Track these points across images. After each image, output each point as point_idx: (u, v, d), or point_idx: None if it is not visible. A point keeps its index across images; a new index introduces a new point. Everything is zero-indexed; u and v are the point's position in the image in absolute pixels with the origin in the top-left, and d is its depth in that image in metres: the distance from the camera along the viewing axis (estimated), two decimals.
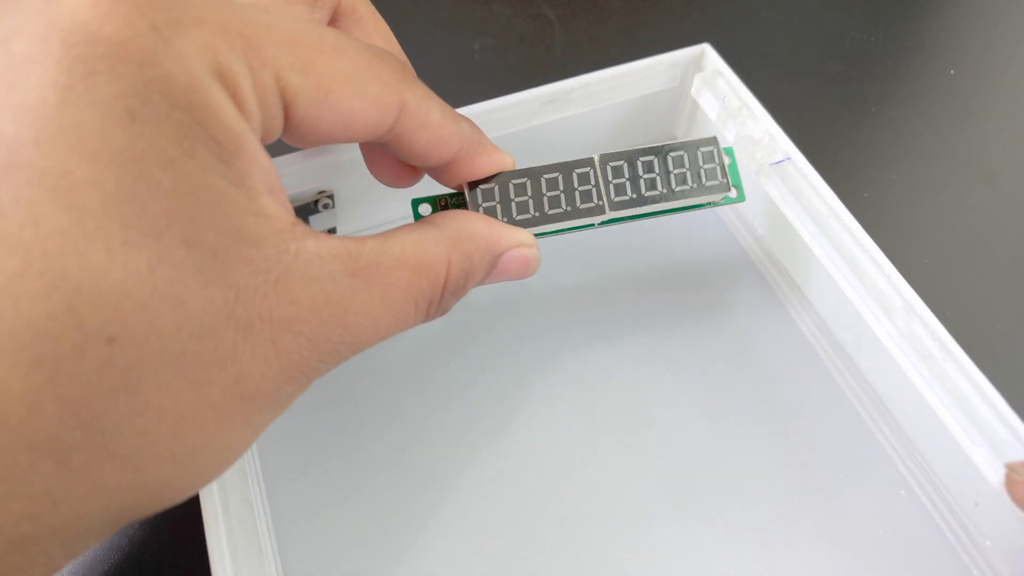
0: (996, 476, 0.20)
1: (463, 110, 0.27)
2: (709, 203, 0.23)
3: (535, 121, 0.28)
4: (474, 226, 0.20)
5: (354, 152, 0.25)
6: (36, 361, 0.13)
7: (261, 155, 0.15)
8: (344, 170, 0.26)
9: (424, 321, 0.19)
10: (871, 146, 0.36)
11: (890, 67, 0.39)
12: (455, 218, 0.20)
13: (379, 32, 0.22)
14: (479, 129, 0.21)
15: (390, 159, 0.22)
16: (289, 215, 0.16)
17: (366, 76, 0.17)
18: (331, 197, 0.26)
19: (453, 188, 0.22)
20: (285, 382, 0.16)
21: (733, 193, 0.23)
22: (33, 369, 0.13)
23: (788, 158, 0.26)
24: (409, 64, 0.21)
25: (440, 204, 0.23)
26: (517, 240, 0.21)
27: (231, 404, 0.15)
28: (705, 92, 0.28)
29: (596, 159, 0.22)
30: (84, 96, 0.13)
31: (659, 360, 0.26)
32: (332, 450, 0.24)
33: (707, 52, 0.29)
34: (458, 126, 0.20)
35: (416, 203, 0.23)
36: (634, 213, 0.23)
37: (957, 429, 0.21)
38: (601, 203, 0.22)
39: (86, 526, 0.14)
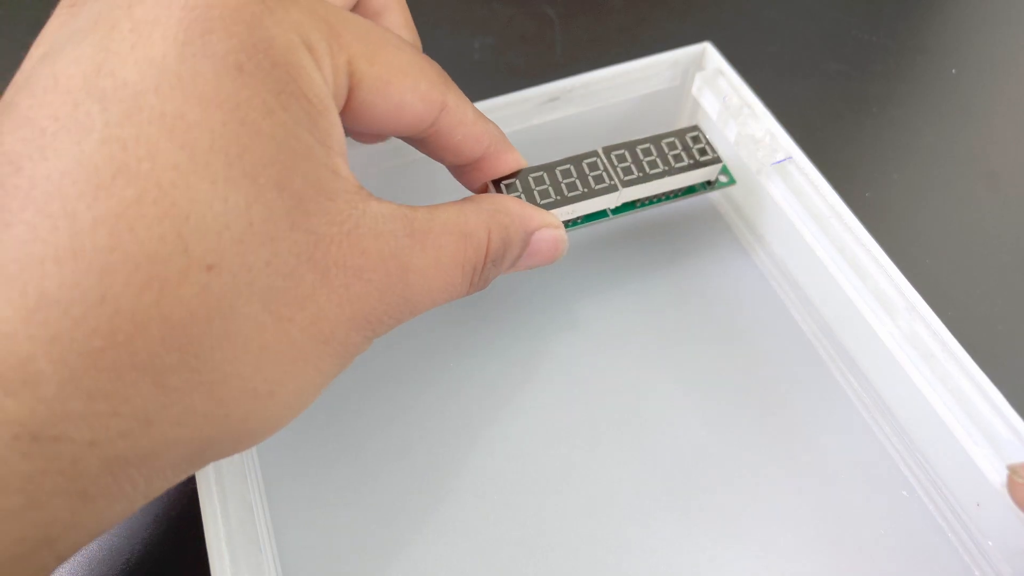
0: (998, 477, 0.20)
1: (494, 100, 0.27)
2: (706, 184, 0.26)
3: (535, 120, 0.28)
4: (509, 203, 0.22)
5: (354, 152, 0.25)
6: (146, 282, 0.14)
7: (338, 122, 0.17)
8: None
9: (468, 292, 0.20)
10: (873, 146, 0.36)
11: (892, 66, 0.39)
12: (491, 197, 0.22)
13: (405, 25, 0.23)
14: (501, 130, 0.23)
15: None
16: (355, 179, 0.17)
17: (419, 74, 0.19)
18: None
19: (475, 190, 0.24)
20: (355, 329, 0.17)
21: (723, 179, 0.26)
22: (143, 289, 0.14)
23: (789, 157, 0.26)
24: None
25: None
26: (546, 220, 0.23)
27: (307, 344, 0.16)
28: (706, 91, 0.28)
29: (600, 150, 0.25)
30: (200, 50, 0.15)
31: (659, 360, 0.26)
32: (332, 451, 0.24)
33: (708, 51, 0.29)
34: (488, 125, 0.22)
35: None
36: (644, 197, 0.25)
37: (959, 429, 0.21)
38: (613, 182, 0.25)
39: (172, 455, 0.15)
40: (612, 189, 0.24)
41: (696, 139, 0.26)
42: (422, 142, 0.21)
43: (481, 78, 0.38)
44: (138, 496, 0.15)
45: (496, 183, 0.23)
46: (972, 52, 0.40)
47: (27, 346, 0.13)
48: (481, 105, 0.27)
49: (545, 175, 0.24)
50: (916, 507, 0.23)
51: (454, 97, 0.20)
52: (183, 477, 0.16)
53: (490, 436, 0.25)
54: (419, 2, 0.41)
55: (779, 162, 0.26)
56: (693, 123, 0.26)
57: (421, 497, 0.24)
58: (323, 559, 0.22)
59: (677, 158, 0.25)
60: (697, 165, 0.25)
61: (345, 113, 0.18)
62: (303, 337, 0.16)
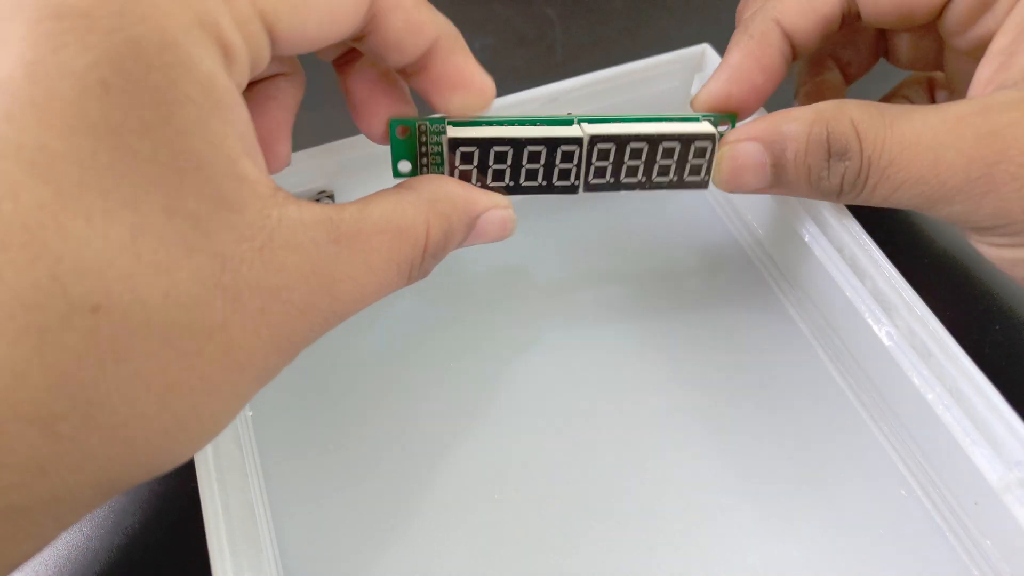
0: (997, 476, 0.20)
1: (495, 101, 0.26)
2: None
3: None
4: (450, 188, 0.20)
5: (354, 152, 0.25)
6: (22, 330, 0.13)
7: (239, 113, 0.15)
8: (344, 170, 0.26)
9: (407, 284, 0.19)
10: None
11: (892, 66, 0.39)
12: (431, 181, 0.20)
13: None
14: (458, 32, 0.20)
15: (366, 74, 0.21)
16: (268, 179, 0.16)
17: None
18: (331, 197, 0.26)
19: (437, 106, 0.21)
20: (275, 353, 0.16)
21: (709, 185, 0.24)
22: (19, 338, 0.13)
23: None
24: None
25: (419, 129, 0.21)
26: (492, 202, 0.21)
27: (220, 375, 0.15)
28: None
29: (585, 140, 0.22)
30: (55, 70, 0.13)
31: (659, 360, 0.26)
32: (332, 450, 0.24)
33: (707, 52, 0.29)
34: (434, 14, 0.20)
35: (394, 124, 0.21)
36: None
37: (957, 429, 0.21)
38: (576, 183, 0.22)
39: (76, 497, 0.14)
40: (571, 190, 0.22)
41: (701, 152, 0.22)
42: (360, 40, 0.19)
43: None
44: (47, 534, 0.15)
45: (455, 144, 0.21)
46: None
47: None
48: None
49: (511, 152, 0.21)
50: (915, 506, 0.23)
51: None
52: (96, 509, 0.15)
53: (490, 436, 0.25)
54: None
55: None
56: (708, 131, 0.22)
57: (421, 496, 0.24)
58: (323, 558, 0.22)
59: (663, 171, 0.23)
60: (680, 184, 0.23)
61: (277, 48, 0.17)
62: (214, 369, 0.15)
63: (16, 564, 0.14)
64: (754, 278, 0.29)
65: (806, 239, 0.25)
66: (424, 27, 0.19)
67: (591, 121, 0.22)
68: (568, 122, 0.22)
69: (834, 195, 0.22)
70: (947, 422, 0.21)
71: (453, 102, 0.21)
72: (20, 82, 0.13)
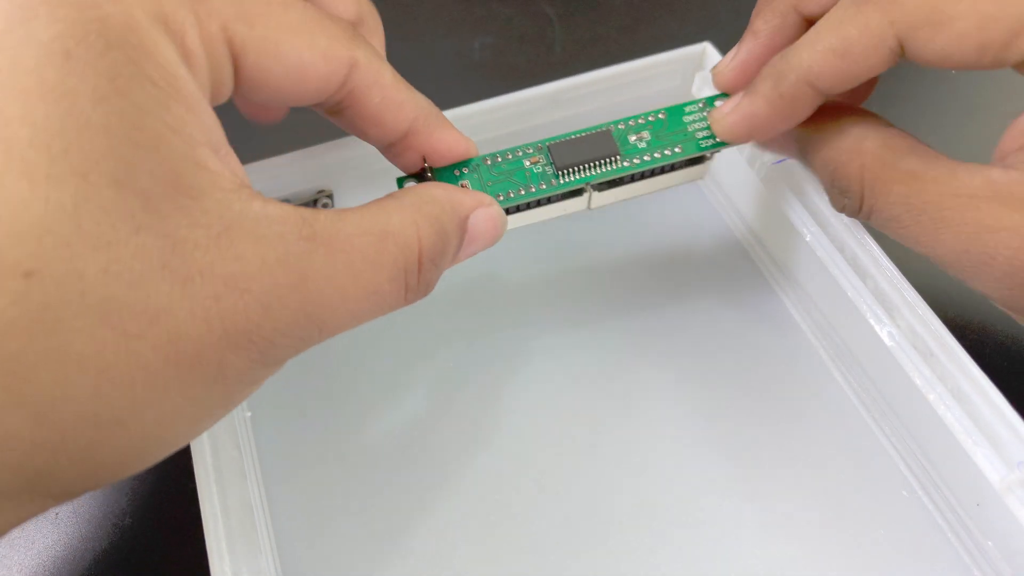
0: (999, 477, 0.20)
1: (463, 109, 0.26)
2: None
3: (535, 121, 0.28)
4: (434, 190, 0.19)
5: (354, 151, 0.25)
6: None
7: (203, 107, 0.15)
8: (344, 170, 0.26)
9: (406, 299, 0.18)
10: None
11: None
12: (412, 188, 0.19)
13: None
14: (435, 106, 0.20)
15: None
16: (236, 176, 0.15)
17: (315, 29, 0.17)
18: (330, 196, 0.26)
19: (413, 171, 0.21)
20: (231, 350, 0.14)
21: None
22: None
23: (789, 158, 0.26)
24: (378, 21, 0.23)
25: (422, 175, 0.21)
26: (477, 200, 0.20)
27: (164, 368, 0.14)
28: (706, 91, 0.28)
29: (590, 206, 0.23)
30: (22, 39, 0.13)
31: (659, 360, 0.26)
32: (330, 451, 0.24)
33: (708, 51, 0.29)
34: (413, 93, 0.19)
35: (401, 181, 0.21)
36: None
37: (959, 429, 0.21)
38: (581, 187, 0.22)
39: None
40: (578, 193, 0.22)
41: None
42: (340, 113, 0.19)
43: (481, 78, 0.38)
44: None
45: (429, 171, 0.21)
46: None
47: None
48: (480, 105, 0.27)
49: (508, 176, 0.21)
50: (916, 507, 0.23)
51: (365, 54, 0.18)
52: (27, 514, 0.14)
53: (490, 436, 0.25)
54: (419, 2, 0.41)
55: (779, 162, 0.26)
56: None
57: (421, 496, 0.24)
58: (323, 558, 0.22)
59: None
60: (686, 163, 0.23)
61: (239, 85, 0.16)
62: (157, 358, 0.14)
63: None
64: (755, 277, 0.29)
65: (807, 239, 0.25)
66: (404, 106, 0.19)
67: (601, 186, 0.22)
68: (579, 191, 0.22)
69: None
70: (949, 423, 0.21)
71: (443, 164, 0.21)
72: None
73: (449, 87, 0.37)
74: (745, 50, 0.24)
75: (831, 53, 0.20)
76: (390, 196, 0.18)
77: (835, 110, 0.22)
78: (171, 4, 0.15)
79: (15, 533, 0.24)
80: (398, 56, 0.39)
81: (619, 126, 0.23)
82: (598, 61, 0.29)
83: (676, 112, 0.23)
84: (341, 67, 0.18)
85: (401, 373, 0.26)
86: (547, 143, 0.22)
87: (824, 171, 0.21)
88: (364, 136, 0.20)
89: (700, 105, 0.23)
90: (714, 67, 0.24)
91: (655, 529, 0.23)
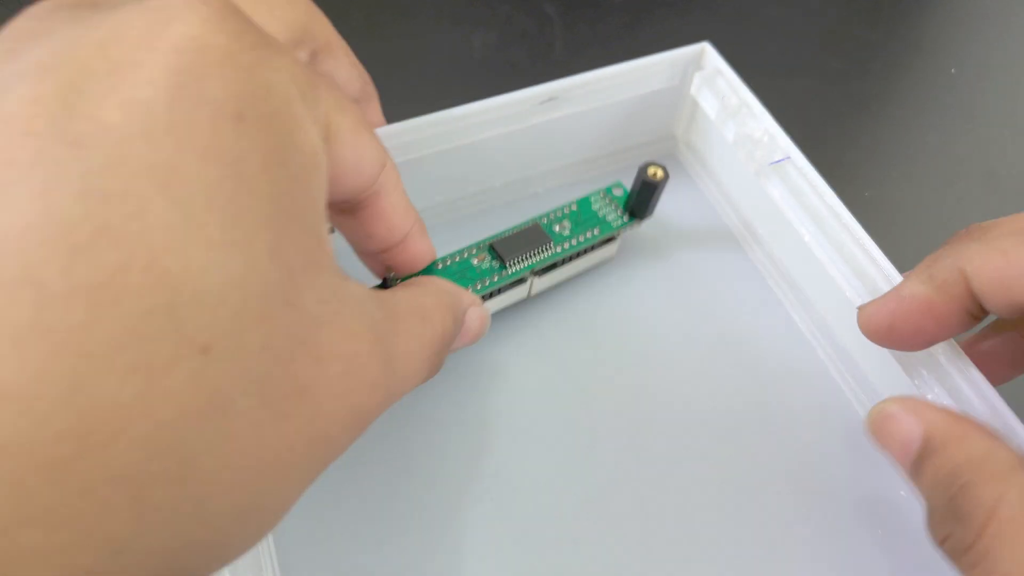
0: None
1: (462, 109, 0.26)
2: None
3: (533, 120, 0.28)
4: (444, 284, 0.21)
5: None
6: (131, 368, 0.11)
7: (327, 181, 0.15)
8: None
9: (428, 376, 0.19)
10: (872, 145, 0.36)
11: (892, 65, 0.39)
12: (431, 280, 0.21)
13: (353, 64, 0.23)
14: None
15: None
16: (331, 253, 0.16)
17: (366, 123, 0.18)
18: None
19: (381, 275, 0.23)
20: (347, 429, 0.15)
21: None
22: (127, 377, 0.11)
23: (787, 157, 0.26)
24: (375, 92, 0.24)
25: (385, 283, 0.23)
26: (471, 299, 0.22)
27: (304, 447, 0.14)
28: (705, 91, 0.28)
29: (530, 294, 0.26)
30: (196, 96, 0.13)
31: (656, 360, 0.26)
32: None
33: (707, 51, 0.29)
34: (410, 203, 0.21)
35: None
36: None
37: None
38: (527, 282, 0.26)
39: None
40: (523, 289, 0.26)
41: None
42: (357, 211, 0.20)
43: (482, 76, 0.38)
44: None
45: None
46: (971, 51, 0.40)
47: None
48: (477, 105, 0.26)
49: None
50: (916, 507, 0.23)
51: (390, 159, 0.19)
52: None
53: (490, 437, 0.25)
54: (420, 0, 0.41)
55: (777, 162, 0.26)
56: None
57: (421, 497, 0.23)
58: (323, 559, 0.22)
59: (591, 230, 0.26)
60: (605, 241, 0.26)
61: None
62: (300, 439, 0.13)
63: None
64: (754, 278, 0.29)
65: (806, 239, 0.25)
66: (410, 210, 0.21)
67: (540, 272, 0.26)
68: (522, 280, 0.25)
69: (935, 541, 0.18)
70: None
71: (409, 271, 0.22)
72: (161, 105, 0.12)
73: (449, 85, 0.37)
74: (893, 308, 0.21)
75: (999, 253, 0.18)
76: (415, 284, 0.20)
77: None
78: (310, 83, 0.15)
79: None
80: (398, 54, 0.39)
81: (543, 220, 0.26)
82: (598, 59, 0.29)
83: (585, 203, 0.27)
84: (380, 165, 0.18)
85: None
86: (488, 242, 0.25)
87: (946, 482, 0.17)
88: (368, 238, 0.21)
89: (601, 195, 0.27)
90: (864, 306, 0.22)
91: (651, 529, 0.23)
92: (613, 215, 0.27)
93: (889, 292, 0.21)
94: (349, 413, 0.15)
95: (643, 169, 0.25)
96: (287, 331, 0.13)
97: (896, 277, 0.23)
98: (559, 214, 0.26)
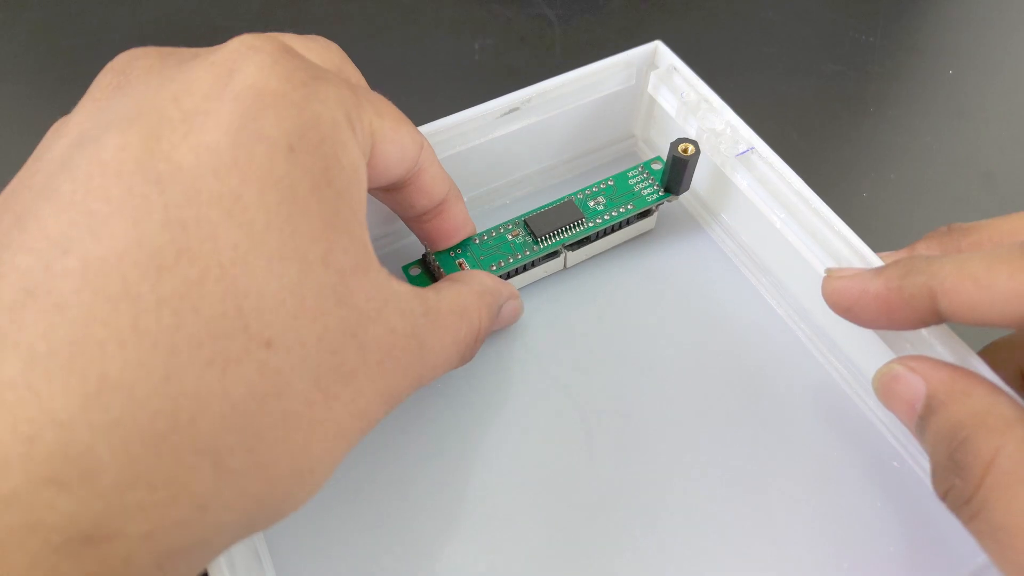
0: None
1: (457, 116, 0.27)
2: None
3: (497, 132, 0.28)
4: (485, 280, 0.23)
5: None
6: (210, 360, 0.14)
7: (366, 191, 0.18)
8: None
9: (458, 366, 0.21)
10: (870, 146, 0.36)
11: (889, 67, 0.39)
12: (474, 275, 0.23)
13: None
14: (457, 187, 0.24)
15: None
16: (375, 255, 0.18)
17: (403, 116, 0.20)
18: None
19: (435, 245, 0.25)
20: (382, 405, 0.18)
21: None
22: (207, 367, 0.14)
23: (752, 148, 0.26)
24: None
25: (424, 260, 0.26)
26: (510, 292, 0.24)
27: (348, 421, 0.16)
28: (662, 89, 0.28)
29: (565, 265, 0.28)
30: (254, 135, 0.15)
31: (651, 360, 0.26)
32: None
33: (660, 49, 0.29)
34: (446, 173, 0.23)
35: (407, 268, 0.26)
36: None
37: None
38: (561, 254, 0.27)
39: (217, 541, 0.15)
40: (556, 262, 0.27)
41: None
42: (402, 188, 0.22)
43: (481, 79, 0.39)
44: None
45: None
46: (969, 53, 0.40)
47: (86, 435, 0.13)
48: (442, 122, 0.26)
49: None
50: (911, 477, 0.23)
51: (425, 138, 0.21)
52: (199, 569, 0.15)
53: (490, 438, 0.24)
54: (420, 3, 0.42)
55: (742, 153, 0.26)
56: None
57: (420, 498, 0.23)
58: (322, 559, 0.22)
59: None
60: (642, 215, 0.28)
61: (369, 167, 0.19)
62: (345, 414, 0.16)
63: None
64: (730, 271, 0.28)
65: (778, 226, 0.25)
66: (445, 179, 0.23)
67: (573, 246, 0.27)
68: (556, 254, 0.27)
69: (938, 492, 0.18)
70: None
71: (448, 244, 0.25)
72: (226, 145, 0.15)
73: (449, 88, 0.38)
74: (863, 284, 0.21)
75: (970, 279, 0.18)
76: (459, 280, 0.22)
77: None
78: (353, 106, 0.18)
79: None
80: (398, 58, 0.40)
81: (578, 196, 0.27)
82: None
83: (622, 178, 0.28)
84: (419, 147, 0.21)
85: None
86: (523, 218, 0.27)
87: (948, 437, 0.18)
88: (411, 207, 0.23)
89: (639, 169, 0.28)
90: (831, 270, 0.22)
91: (653, 528, 0.23)
92: (649, 189, 0.27)
93: (858, 277, 0.21)
94: (385, 394, 0.17)
95: (674, 145, 0.26)
96: (340, 325, 0.16)
97: (867, 252, 0.23)
98: (594, 190, 0.27)
